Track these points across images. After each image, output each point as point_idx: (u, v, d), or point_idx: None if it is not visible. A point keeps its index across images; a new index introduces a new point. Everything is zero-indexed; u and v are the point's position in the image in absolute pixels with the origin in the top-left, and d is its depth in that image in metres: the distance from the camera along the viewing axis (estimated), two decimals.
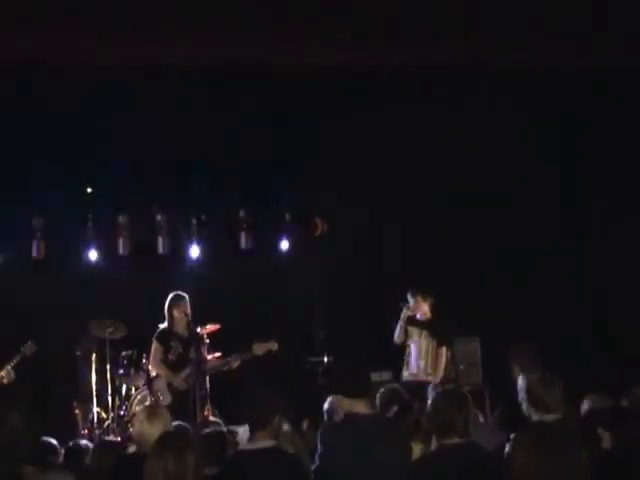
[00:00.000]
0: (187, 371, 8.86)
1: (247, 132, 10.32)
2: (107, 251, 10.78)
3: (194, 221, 10.93)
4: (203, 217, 10.94)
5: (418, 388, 8.76)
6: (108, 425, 9.75)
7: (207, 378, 9.09)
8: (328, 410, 6.49)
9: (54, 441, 6.09)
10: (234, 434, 6.69)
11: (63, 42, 9.22)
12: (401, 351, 9.51)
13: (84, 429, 9.83)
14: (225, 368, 9.07)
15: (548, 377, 5.34)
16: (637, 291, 10.79)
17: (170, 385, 8.93)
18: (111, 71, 9.53)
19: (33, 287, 10.22)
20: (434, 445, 5.11)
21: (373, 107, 10.42)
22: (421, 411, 6.14)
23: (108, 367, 9.88)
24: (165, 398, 8.85)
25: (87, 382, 10.04)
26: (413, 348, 9.44)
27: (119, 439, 8.78)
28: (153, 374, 9.11)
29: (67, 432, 8.67)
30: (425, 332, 9.42)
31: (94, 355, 10.04)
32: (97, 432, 9.67)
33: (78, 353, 10.28)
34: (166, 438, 4.34)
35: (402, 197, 11.01)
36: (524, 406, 5.39)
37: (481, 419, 7.02)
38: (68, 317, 10.06)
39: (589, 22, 9.41)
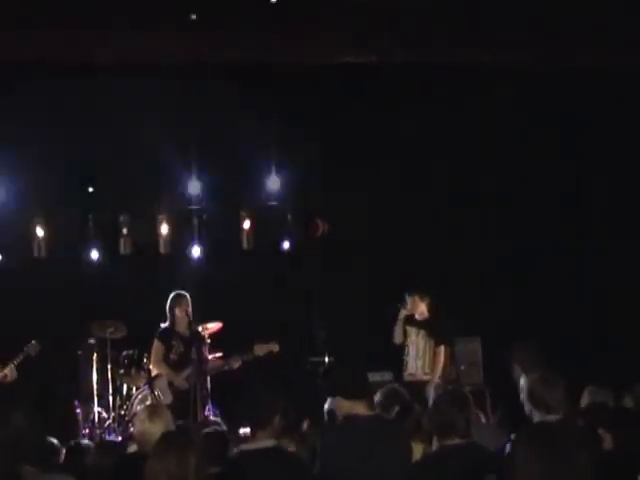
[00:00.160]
0: (188, 371, 8.87)
1: (247, 132, 10.32)
2: (108, 251, 10.78)
3: (195, 221, 10.94)
4: (204, 217, 10.95)
5: (418, 388, 8.77)
6: (109, 425, 9.74)
7: (208, 378, 9.10)
8: (329, 411, 6.48)
9: (55, 441, 6.09)
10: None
11: (63, 42, 9.22)
12: (400, 351, 9.53)
13: (85, 429, 9.81)
14: (226, 368, 9.08)
15: (549, 377, 5.32)
16: (637, 291, 10.79)
17: (171, 385, 8.94)
18: (111, 71, 9.52)
19: (34, 287, 10.22)
20: (435, 446, 5.10)
21: (373, 107, 10.42)
22: (422, 411, 6.13)
23: (109, 367, 9.88)
24: (166, 398, 8.85)
25: (88, 382, 10.02)
26: (411, 348, 9.46)
27: (120, 439, 8.79)
28: (154, 373, 9.11)
29: (68, 432, 8.68)
30: (422, 332, 9.44)
31: (95, 355, 10.03)
32: (98, 432, 9.66)
33: (79, 353, 10.28)
34: (168, 438, 4.31)
35: (402, 197, 11.02)
36: (526, 406, 5.38)
37: (482, 419, 7.01)
38: (69, 317, 10.06)
39: (589, 22, 9.41)
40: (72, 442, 6.48)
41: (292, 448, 5.57)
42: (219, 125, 10.09)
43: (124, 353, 9.98)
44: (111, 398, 9.87)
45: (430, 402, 7.30)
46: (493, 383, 9.81)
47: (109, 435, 9.51)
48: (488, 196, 11.11)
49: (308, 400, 7.85)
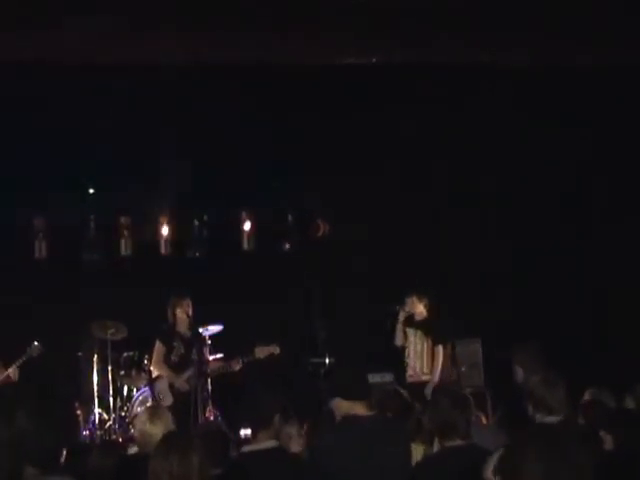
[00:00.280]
0: (189, 372, 8.87)
1: (247, 132, 10.32)
2: (109, 252, 10.78)
3: (196, 222, 10.94)
4: (205, 218, 10.95)
5: (418, 389, 8.76)
6: (109, 426, 9.74)
7: (209, 380, 9.09)
8: (328, 411, 6.47)
9: (56, 442, 6.06)
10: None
11: (64, 42, 9.21)
12: (402, 353, 9.53)
13: (86, 430, 9.81)
14: (227, 370, 9.07)
15: (550, 378, 5.32)
16: (637, 291, 10.79)
17: (172, 386, 8.94)
18: (111, 71, 9.52)
19: (34, 288, 10.22)
20: (436, 447, 5.10)
21: (373, 107, 10.42)
22: (422, 412, 6.13)
23: (110, 368, 9.87)
24: (166, 399, 8.84)
25: (89, 383, 10.02)
26: (411, 349, 9.46)
27: (120, 440, 8.78)
28: (155, 375, 9.11)
29: (69, 433, 8.65)
30: (420, 332, 9.44)
31: (96, 356, 10.03)
32: (98, 433, 9.66)
33: (80, 354, 10.27)
34: (170, 438, 4.31)
35: (402, 197, 11.01)
36: (529, 408, 5.38)
37: (483, 421, 7.01)
38: (69, 318, 10.05)
39: (589, 22, 9.40)
40: (73, 443, 6.47)
41: (293, 449, 5.57)
42: (219, 125, 10.09)
43: (125, 354, 9.98)
44: (111, 399, 9.88)
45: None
46: (493, 384, 9.80)
47: (109, 436, 9.50)
48: (488, 196, 11.10)
49: (309, 401, 7.86)
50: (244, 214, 11.07)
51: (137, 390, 9.71)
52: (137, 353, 9.86)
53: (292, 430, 5.83)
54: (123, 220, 10.70)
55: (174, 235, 10.92)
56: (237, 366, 9.01)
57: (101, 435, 9.60)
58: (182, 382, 8.88)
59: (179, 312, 8.98)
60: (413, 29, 9.46)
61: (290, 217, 11.16)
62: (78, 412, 9.94)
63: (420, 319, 9.50)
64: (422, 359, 9.36)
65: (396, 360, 9.65)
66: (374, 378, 8.54)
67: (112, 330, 9.93)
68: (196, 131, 10.26)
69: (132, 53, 9.52)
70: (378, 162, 10.88)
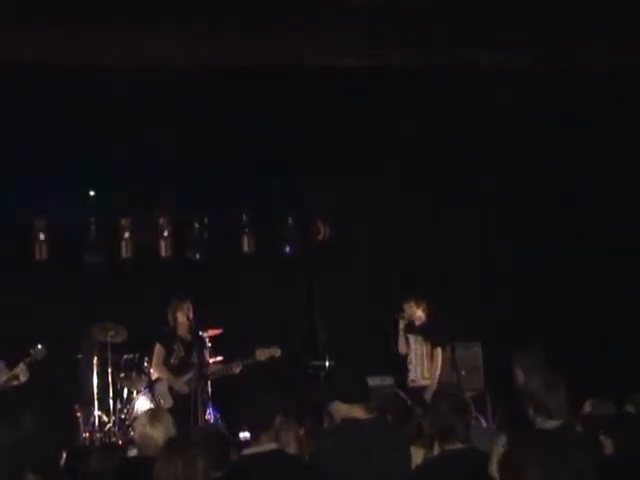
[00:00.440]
0: (189, 375, 8.86)
1: (247, 132, 10.31)
2: (109, 254, 10.77)
3: (196, 224, 10.93)
4: (205, 220, 10.95)
5: (419, 393, 8.74)
6: (109, 428, 9.72)
7: (209, 382, 9.09)
8: (328, 414, 6.47)
9: (57, 446, 6.06)
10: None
11: (63, 42, 9.20)
12: (404, 357, 9.52)
13: (85, 432, 9.80)
14: (227, 372, 9.06)
15: (551, 381, 5.30)
16: (637, 291, 10.79)
17: (171, 389, 8.93)
18: (111, 71, 9.51)
19: (34, 289, 10.21)
20: (436, 450, 5.10)
21: (373, 107, 10.41)
22: (423, 416, 6.12)
23: (110, 370, 9.86)
24: (166, 402, 8.84)
25: (89, 385, 10.01)
26: (412, 355, 9.44)
27: (120, 442, 8.78)
28: (155, 377, 9.10)
29: (69, 435, 8.64)
30: (419, 337, 9.42)
31: (96, 358, 10.02)
32: (98, 435, 9.64)
33: (80, 356, 10.26)
34: (175, 442, 4.32)
35: (402, 197, 11.01)
36: (529, 410, 5.37)
37: (484, 424, 7.01)
38: (70, 320, 10.04)
39: (589, 22, 9.40)
40: (73, 446, 6.47)
41: (294, 451, 5.56)
42: (219, 126, 10.08)
43: (125, 357, 9.96)
44: (111, 402, 9.86)
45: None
46: (494, 386, 9.79)
47: (109, 439, 9.48)
48: (488, 196, 11.10)
49: (309, 403, 7.85)
50: (244, 216, 11.06)
51: (137, 393, 9.70)
52: (137, 355, 9.84)
53: (291, 432, 5.82)
54: (123, 222, 10.70)
55: (174, 237, 10.91)
56: (237, 369, 8.99)
57: (101, 437, 9.58)
58: (182, 385, 8.88)
59: (179, 315, 8.97)
60: (413, 29, 9.46)
61: (290, 220, 11.14)
62: (78, 414, 9.94)
63: (420, 324, 9.48)
64: (422, 364, 9.35)
65: (396, 363, 9.64)
66: (374, 381, 8.52)
67: (112, 332, 9.91)
68: (196, 131, 10.25)
69: (132, 53, 9.51)
70: (378, 162, 10.88)
